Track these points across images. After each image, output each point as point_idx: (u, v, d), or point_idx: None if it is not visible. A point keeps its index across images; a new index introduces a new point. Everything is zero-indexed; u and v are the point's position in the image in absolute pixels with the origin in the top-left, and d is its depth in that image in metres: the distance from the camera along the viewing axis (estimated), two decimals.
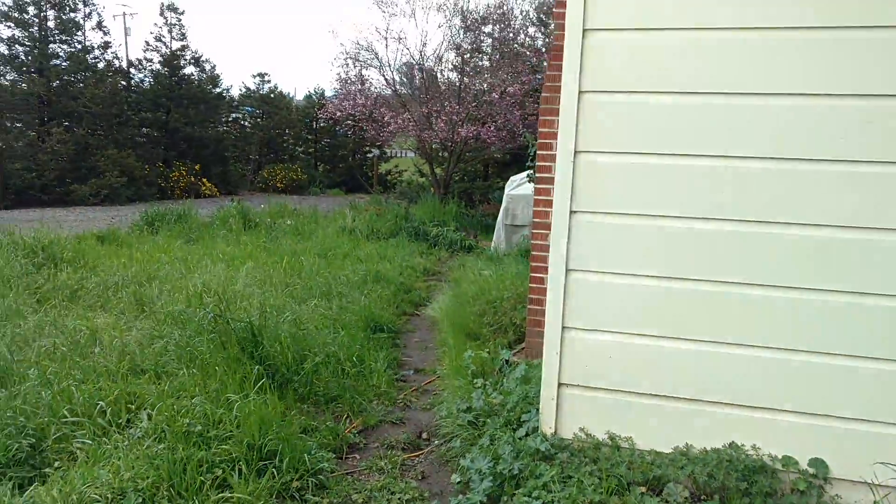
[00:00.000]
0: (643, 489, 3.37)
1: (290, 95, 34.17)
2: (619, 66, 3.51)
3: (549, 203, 5.57)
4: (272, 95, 31.04)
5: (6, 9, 21.92)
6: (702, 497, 3.38)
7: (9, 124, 21.94)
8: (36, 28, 22.41)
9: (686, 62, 3.37)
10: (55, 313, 6.31)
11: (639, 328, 3.63)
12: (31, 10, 22.37)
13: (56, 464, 3.71)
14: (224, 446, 3.83)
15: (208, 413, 4.08)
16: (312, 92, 32.57)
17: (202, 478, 3.54)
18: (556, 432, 3.83)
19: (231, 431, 3.95)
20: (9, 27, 22.09)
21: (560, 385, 3.80)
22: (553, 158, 5.55)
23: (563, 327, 3.75)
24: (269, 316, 5.85)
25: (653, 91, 3.46)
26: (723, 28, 3.31)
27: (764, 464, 3.42)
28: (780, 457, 3.44)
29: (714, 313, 3.48)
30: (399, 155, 33.74)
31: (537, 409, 4.00)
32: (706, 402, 3.57)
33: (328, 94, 30.55)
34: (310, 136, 32.19)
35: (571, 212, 3.67)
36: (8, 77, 22.42)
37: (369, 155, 31.01)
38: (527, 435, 3.91)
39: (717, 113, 3.35)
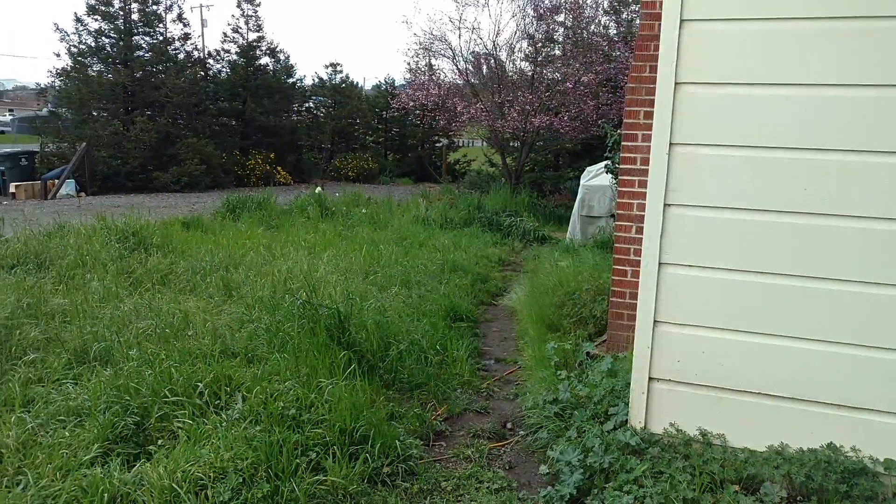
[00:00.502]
0: (737, 487, 3.33)
1: (361, 85, 34.56)
2: (716, 58, 3.46)
3: (634, 195, 5.54)
4: (343, 85, 31.41)
5: (94, 2, 22.75)
6: (798, 498, 3.33)
7: (96, 114, 22.80)
8: (121, 20, 23.19)
9: (786, 53, 3.30)
10: (149, 296, 6.56)
11: (733, 324, 3.58)
12: (117, 3, 23.15)
13: (159, 441, 3.87)
14: (317, 430, 3.93)
15: (300, 397, 4.20)
16: (382, 81, 32.85)
17: (298, 460, 3.65)
18: (645, 427, 3.81)
19: (323, 416, 4.05)
20: (96, 20, 22.93)
21: (650, 379, 3.78)
22: (638, 150, 5.51)
23: (655, 321, 3.73)
24: (354, 303, 5.97)
25: (753, 83, 3.39)
26: (823, 18, 3.23)
27: (865, 466, 3.33)
28: (881, 459, 3.35)
29: (813, 310, 3.40)
30: (467, 144, 33.78)
31: (625, 403, 3.98)
32: (803, 400, 3.50)
33: (398, 83, 30.79)
34: (380, 126, 32.49)
35: (665, 205, 3.63)
36: (95, 68, 23.30)
37: (438, 144, 31.13)
38: (615, 428, 3.90)
39: (822, 105, 3.26)
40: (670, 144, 3.58)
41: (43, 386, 4.53)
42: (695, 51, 3.50)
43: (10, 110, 70.75)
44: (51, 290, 6.49)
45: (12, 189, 18.99)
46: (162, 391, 4.21)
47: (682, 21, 3.53)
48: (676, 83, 3.55)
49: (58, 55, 44.68)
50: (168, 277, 7.47)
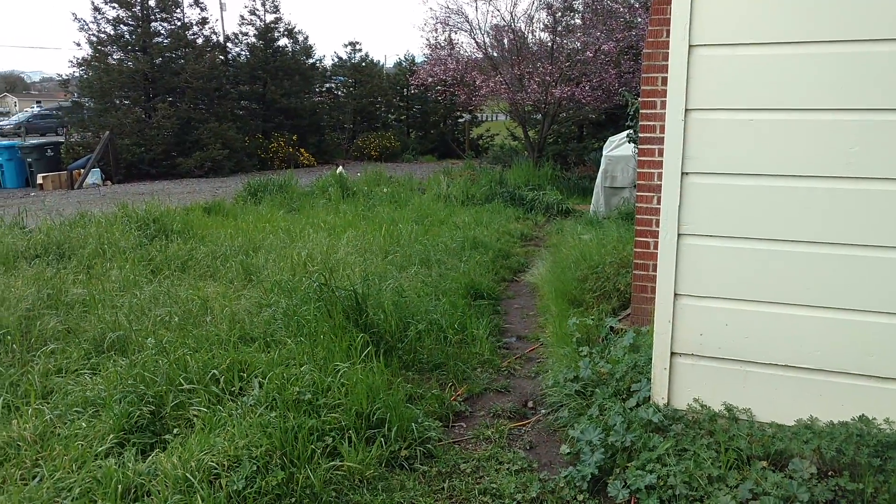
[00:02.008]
0: (764, 464, 3.22)
1: (381, 63, 34.33)
2: (732, 17, 3.30)
3: (654, 164, 5.38)
4: (363, 64, 31.22)
5: None
6: (829, 473, 3.20)
7: (118, 102, 22.90)
8: (138, 7, 23.18)
9: (808, 6, 3.12)
10: (168, 283, 6.56)
11: (757, 295, 3.44)
12: None
13: (175, 430, 3.84)
14: (333, 414, 3.89)
15: (317, 381, 4.15)
16: (402, 59, 32.60)
17: (313, 446, 3.60)
18: (668, 403, 3.71)
19: (339, 399, 4.00)
20: (113, 8, 22.94)
21: (672, 354, 3.67)
22: (657, 117, 5.35)
23: (676, 294, 3.61)
24: (372, 284, 5.90)
25: (772, 42, 3.23)
26: None
27: None
28: None
29: (840, 279, 3.26)
30: (490, 119, 33.49)
31: (648, 379, 3.87)
32: (832, 372, 3.36)
33: (418, 60, 30.53)
34: (401, 104, 32.29)
35: (683, 174, 3.50)
36: (115, 56, 23.36)
37: (460, 120, 30.89)
38: (637, 405, 3.79)
39: (849, 63, 3.09)
40: (686, 110, 3.43)
41: (62, 377, 4.54)
42: (708, 10, 3.34)
43: (38, 102, 71.65)
44: (71, 281, 6.51)
45: (39, 180, 19.18)
46: (177, 379, 4.19)
47: None
48: (690, 46, 3.40)
49: (78, 45, 44.98)
50: (188, 263, 7.47)
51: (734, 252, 3.44)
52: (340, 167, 17.64)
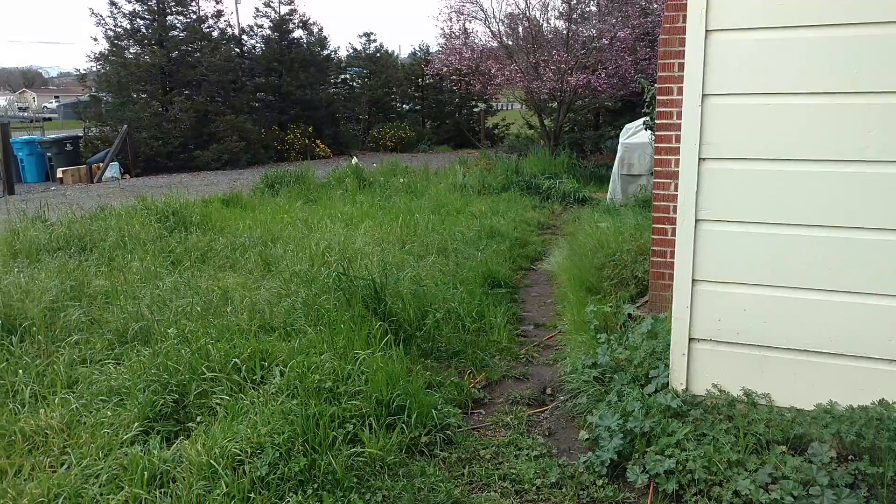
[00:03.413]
0: (784, 448, 3.22)
1: (396, 53, 34.29)
2: (749, 1, 3.28)
3: (671, 150, 5.37)
4: (378, 55, 31.20)
5: None
6: (849, 457, 3.21)
7: (135, 95, 23.06)
8: (154, 1, 23.28)
9: None
10: (188, 274, 6.62)
11: (776, 280, 3.45)
12: None
13: (198, 418, 3.90)
14: (354, 402, 3.93)
15: (337, 369, 4.20)
16: (417, 49, 32.55)
17: (334, 433, 3.65)
18: (687, 388, 3.72)
19: (360, 387, 4.04)
20: (129, 2, 23.07)
21: (691, 340, 3.68)
22: (674, 104, 5.33)
23: (693, 280, 3.62)
24: (390, 273, 5.94)
25: (791, 26, 3.22)
26: None
27: None
28: None
29: (859, 263, 3.25)
30: (506, 108, 33.38)
31: (666, 365, 3.89)
32: (851, 356, 3.36)
33: (433, 49, 30.48)
34: (416, 94, 32.26)
35: (700, 159, 3.51)
36: (131, 50, 23.50)
37: (476, 109, 30.82)
38: (656, 391, 3.81)
39: (875, 45, 3.08)
40: (703, 96, 3.44)
41: (87, 367, 4.60)
42: None
43: (56, 97, 72.33)
44: (93, 272, 6.59)
45: (59, 174, 19.38)
46: (199, 368, 4.24)
47: None
48: (707, 31, 3.40)
49: (95, 40, 45.17)
50: (207, 255, 7.54)
51: (752, 237, 3.44)
52: (356, 158, 17.67)
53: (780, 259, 3.40)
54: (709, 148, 3.46)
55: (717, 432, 3.35)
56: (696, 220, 3.55)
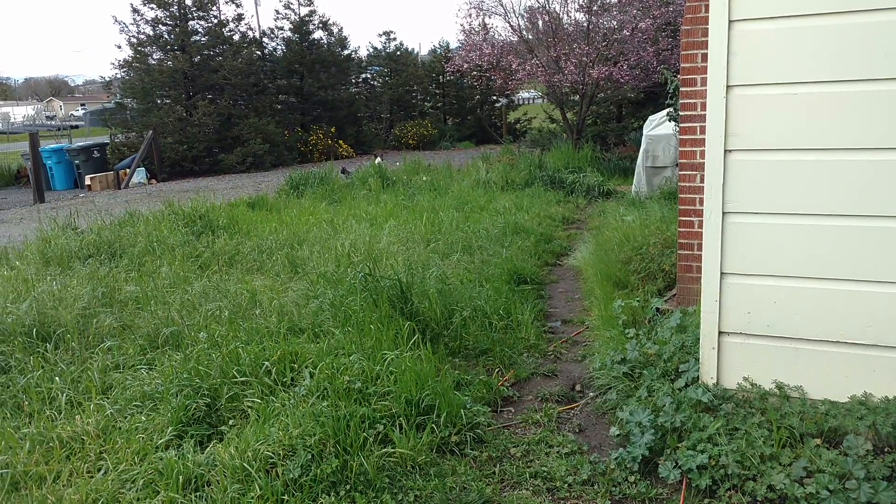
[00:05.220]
0: (818, 441, 3.18)
1: (416, 51, 34.34)
2: None
3: (696, 142, 5.32)
4: (398, 53, 31.26)
5: None
6: (885, 449, 3.16)
7: (159, 101, 23.32)
8: (175, 7, 23.51)
9: None
10: (217, 278, 6.69)
11: (805, 271, 3.41)
12: None
13: (230, 422, 3.94)
14: (383, 402, 3.94)
15: (366, 370, 4.22)
16: (437, 46, 32.56)
17: (365, 434, 3.67)
18: (717, 382, 3.69)
19: (389, 387, 4.06)
20: (152, 9, 23.33)
21: (721, 333, 3.65)
22: (698, 95, 5.28)
23: (722, 273, 3.59)
24: (415, 272, 5.95)
25: (816, 13, 3.17)
26: None
27: None
28: None
29: (894, 252, 3.20)
30: (527, 102, 33.28)
31: (696, 359, 3.86)
32: (886, 347, 3.32)
33: (453, 46, 30.45)
34: (437, 91, 32.27)
35: (726, 151, 3.48)
36: (155, 56, 23.77)
37: (497, 105, 30.76)
38: (686, 386, 3.78)
39: (892, 31, 3.03)
40: (727, 87, 3.40)
41: (120, 372, 4.68)
42: None
43: (82, 104, 73.33)
44: (123, 278, 6.68)
45: (87, 181, 19.65)
46: (230, 372, 4.29)
47: None
48: (730, 21, 3.37)
49: (119, 47, 45.69)
50: (235, 258, 7.61)
51: (781, 229, 3.40)
52: (379, 157, 17.73)
53: (810, 250, 3.36)
54: (735, 139, 3.43)
55: (750, 426, 3.32)
56: (724, 213, 3.52)
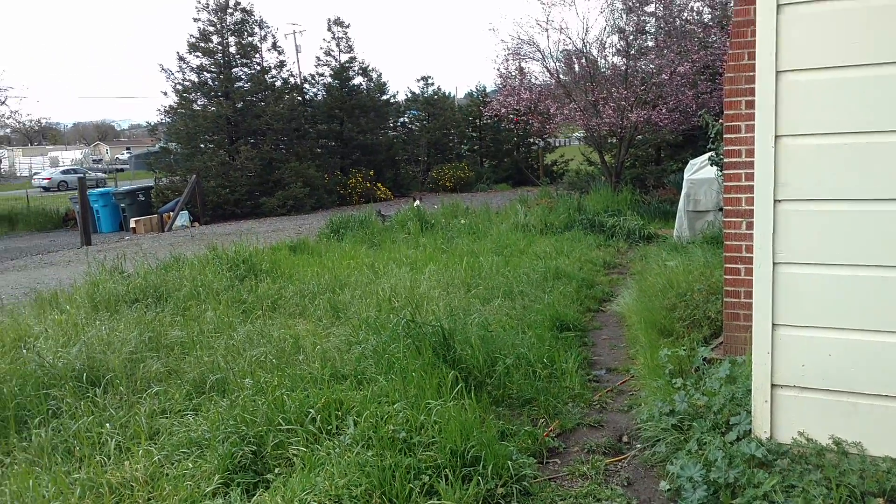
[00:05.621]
0: (881, 500, 3.08)
1: (452, 95, 34.81)
2: (820, 41, 3.24)
3: (741, 189, 5.29)
4: (436, 97, 31.75)
5: (194, 40, 23.92)
6: None
7: (203, 146, 23.92)
8: (220, 55, 24.25)
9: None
10: (260, 323, 6.76)
11: (862, 324, 3.33)
12: (215, 38, 24.25)
13: (276, 470, 3.94)
14: (428, 453, 3.91)
15: (410, 419, 4.20)
16: (474, 90, 32.96)
17: (410, 485, 3.64)
18: (771, 437, 3.60)
19: (433, 437, 4.03)
20: (197, 56, 24.08)
21: (773, 386, 3.57)
22: (742, 141, 5.26)
23: (774, 325, 3.52)
24: (457, 318, 5.94)
25: (865, 64, 3.15)
26: None
27: None
28: None
29: None
30: (563, 144, 33.39)
31: (747, 412, 3.77)
32: None
33: (489, 90, 30.80)
34: (474, 134, 32.61)
35: (776, 201, 3.43)
36: (199, 102, 24.45)
37: (533, 147, 30.93)
38: (738, 439, 3.70)
39: None
40: (776, 137, 3.38)
41: (167, 417, 4.72)
42: (795, 35, 3.30)
43: (128, 148, 75.43)
44: (169, 323, 6.78)
45: (132, 224, 20.12)
46: (276, 419, 4.30)
47: (779, 5, 3.33)
48: (778, 71, 3.35)
49: (165, 94, 47.24)
50: (278, 302, 7.69)
51: (835, 280, 3.34)
52: (417, 200, 17.88)
53: (866, 301, 3.29)
54: (784, 189, 3.39)
55: (807, 483, 3.22)
56: (774, 263, 3.46)
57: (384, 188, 26.49)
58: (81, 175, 22.84)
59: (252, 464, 4.04)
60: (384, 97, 29.17)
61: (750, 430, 3.69)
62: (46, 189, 29.76)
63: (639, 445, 4.34)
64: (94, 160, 71.12)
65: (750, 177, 5.07)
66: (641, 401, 4.88)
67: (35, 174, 50.62)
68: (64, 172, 43.39)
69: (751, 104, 5.03)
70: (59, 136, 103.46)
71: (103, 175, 37.14)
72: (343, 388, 4.82)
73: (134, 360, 5.68)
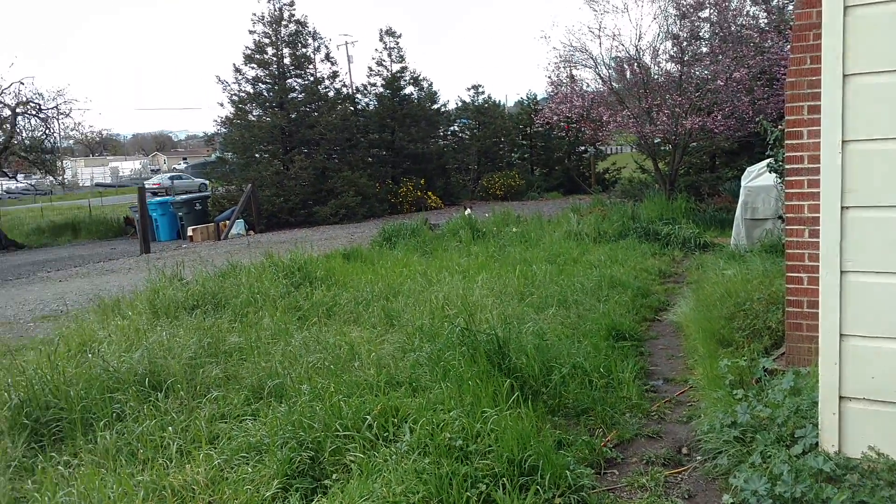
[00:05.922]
0: None
1: (502, 103, 34.79)
2: (891, 41, 3.14)
3: (804, 196, 5.16)
4: (486, 105, 31.76)
5: (250, 52, 24.41)
6: None
7: (258, 156, 24.38)
8: (275, 66, 24.69)
9: None
10: (316, 329, 6.84)
11: None
12: (270, 50, 24.70)
13: (334, 475, 3.97)
14: (484, 461, 3.90)
15: (466, 427, 4.19)
16: (525, 97, 32.93)
17: (468, 493, 3.63)
18: (839, 451, 3.49)
19: (490, 446, 4.01)
20: (252, 68, 24.56)
21: (841, 399, 3.46)
22: (804, 147, 5.13)
23: (842, 335, 3.42)
24: (511, 327, 5.92)
25: None
26: None
27: None
28: None
29: None
30: (615, 151, 33.10)
31: (813, 425, 3.67)
32: None
33: (540, 97, 30.72)
34: (524, 142, 32.55)
35: (843, 208, 3.34)
36: (254, 113, 24.93)
37: (585, 155, 30.71)
38: (804, 453, 3.60)
39: None
40: (843, 142, 3.29)
41: (226, 422, 4.80)
42: (864, 38, 3.21)
43: (184, 158, 77.28)
44: (227, 329, 6.91)
45: (189, 232, 20.58)
46: (333, 425, 4.34)
47: (846, 7, 3.25)
48: (845, 75, 3.27)
49: (221, 105, 48.32)
50: (332, 309, 7.77)
51: None
52: (468, 209, 17.92)
53: None
54: (852, 196, 3.30)
55: (879, 500, 3.12)
56: (842, 272, 3.37)
57: (435, 197, 26.60)
58: (141, 185, 23.38)
59: (310, 469, 4.08)
60: (435, 106, 29.30)
61: (816, 444, 3.59)
62: (155, 194, 31.12)
63: (699, 457, 4.26)
64: (152, 170, 73.03)
65: (813, 183, 4.94)
66: (701, 412, 4.79)
67: (146, 178, 52.24)
68: (171, 178, 44.84)
69: (813, 109, 4.91)
70: (119, 146, 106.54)
71: (203, 181, 37.56)
72: (398, 395, 4.84)
73: (193, 365, 5.79)
